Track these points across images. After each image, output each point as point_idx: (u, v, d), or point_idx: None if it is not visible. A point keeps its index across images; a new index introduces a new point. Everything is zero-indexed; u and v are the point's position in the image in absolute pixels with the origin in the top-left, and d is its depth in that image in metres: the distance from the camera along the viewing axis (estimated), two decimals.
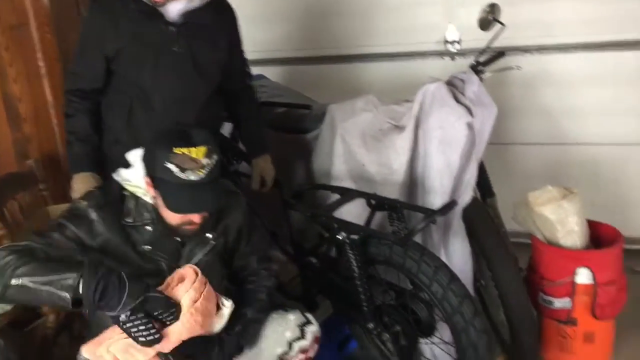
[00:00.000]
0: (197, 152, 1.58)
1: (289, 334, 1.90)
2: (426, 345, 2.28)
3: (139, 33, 2.02)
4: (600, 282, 2.24)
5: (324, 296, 2.44)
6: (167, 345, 1.55)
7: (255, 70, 3.32)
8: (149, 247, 1.70)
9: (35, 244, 1.59)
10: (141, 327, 1.48)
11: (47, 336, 2.24)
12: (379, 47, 3.35)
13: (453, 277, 2.01)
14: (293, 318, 1.92)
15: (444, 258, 2.31)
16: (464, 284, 2.04)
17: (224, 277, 1.88)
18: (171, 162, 1.57)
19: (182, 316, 1.55)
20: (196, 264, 1.75)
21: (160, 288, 1.59)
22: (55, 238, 1.62)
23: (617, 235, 2.36)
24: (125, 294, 1.47)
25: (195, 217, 1.67)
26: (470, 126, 2.29)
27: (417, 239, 2.33)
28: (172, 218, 1.67)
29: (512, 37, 2.98)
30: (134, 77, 2.06)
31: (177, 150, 1.57)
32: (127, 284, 1.49)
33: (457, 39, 2.43)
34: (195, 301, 1.58)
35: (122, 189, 1.73)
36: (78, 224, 1.65)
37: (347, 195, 2.31)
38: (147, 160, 1.64)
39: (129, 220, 1.69)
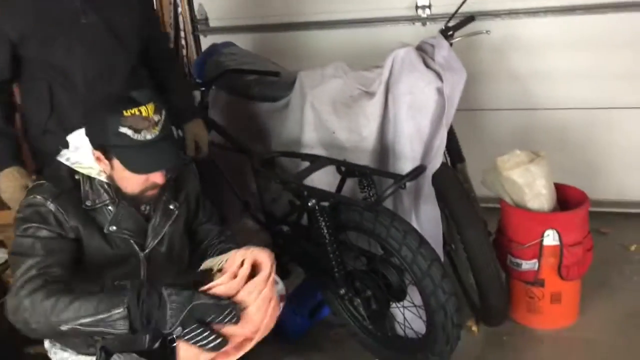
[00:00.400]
0: (147, 110, 1.55)
1: None
2: (398, 310, 2.31)
3: (41, 10, 1.91)
4: (566, 244, 2.28)
5: (296, 263, 2.45)
6: (252, 327, 1.46)
7: (224, 38, 3.29)
8: (115, 227, 1.66)
9: (38, 268, 1.52)
10: (199, 338, 1.40)
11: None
12: (350, 13, 3.31)
13: (422, 241, 2.03)
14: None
15: (414, 223, 2.33)
16: (433, 247, 2.06)
17: (187, 249, 1.86)
18: (124, 126, 1.53)
19: (256, 305, 1.44)
20: (162, 236, 1.74)
21: (221, 278, 1.47)
22: (39, 247, 1.56)
23: (584, 198, 2.40)
24: (168, 312, 1.39)
25: (158, 178, 1.63)
26: (440, 91, 2.29)
27: (388, 205, 2.35)
28: (134, 185, 1.63)
29: (481, 2, 2.99)
30: (47, 59, 1.94)
31: (127, 113, 1.53)
32: (167, 301, 1.39)
33: (427, 4, 2.42)
34: (270, 299, 1.47)
35: (73, 173, 1.66)
36: (43, 220, 1.59)
37: (317, 162, 2.30)
38: (95, 132, 1.58)
39: (89, 203, 1.65)
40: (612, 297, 2.58)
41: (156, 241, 1.74)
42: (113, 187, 1.66)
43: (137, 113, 1.54)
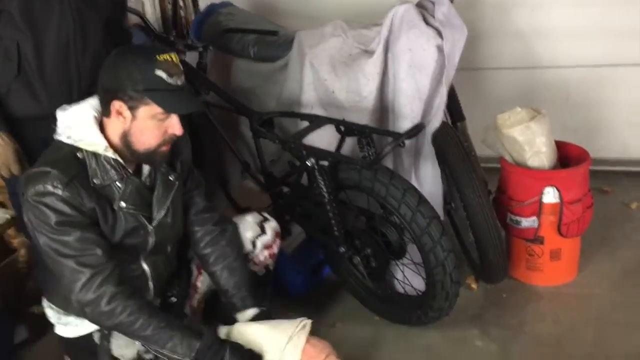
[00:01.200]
0: (175, 57, 1.59)
1: (250, 234, 1.97)
2: (397, 267, 2.33)
3: None
4: (566, 201, 2.28)
5: (296, 223, 2.46)
6: None
7: None
8: (124, 203, 1.66)
9: (94, 267, 1.58)
10: None
11: (20, 270, 2.25)
12: None
13: (421, 199, 2.04)
14: (251, 218, 2.00)
15: (414, 182, 2.33)
16: (432, 206, 2.07)
17: (182, 217, 1.87)
18: (160, 69, 1.55)
19: None
20: (167, 208, 1.75)
21: None
22: (78, 243, 1.58)
23: (584, 155, 2.39)
24: None
25: (177, 129, 1.64)
26: (440, 49, 2.26)
27: (389, 165, 2.35)
28: (153, 138, 1.63)
29: None
30: (16, 20, 1.87)
31: (160, 58, 1.56)
32: None
33: None
34: None
35: (75, 152, 1.62)
36: (63, 213, 1.56)
37: (316, 122, 2.30)
38: (123, 80, 1.56)
39: (97, 182, 1.62)
40: (612, 254, 2.59)
41: (162, 213, 1.75)
42: (119, 164, 1.65)
43: (169, 59, 1.57)
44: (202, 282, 1.99)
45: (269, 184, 2.52)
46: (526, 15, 3.04)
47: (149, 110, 1.59)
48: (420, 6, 2.37)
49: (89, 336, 1.77)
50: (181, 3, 3.57)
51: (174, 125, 1.63)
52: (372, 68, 2.37)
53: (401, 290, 2.36)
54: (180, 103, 1.61)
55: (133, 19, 2.71)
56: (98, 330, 1.75)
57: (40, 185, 1.56)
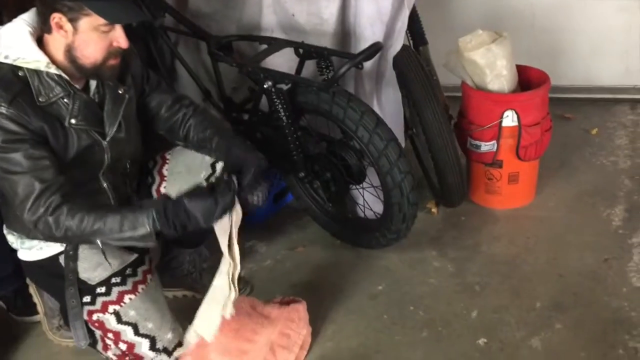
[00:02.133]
0: None
1: (208, 158, 1.93)
2: (357, 192, 2.35)
3: None
4: (524, 124, 2.30)
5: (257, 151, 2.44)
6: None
7: None
8: (74, 119, 1.61)
9: (41, 182, 1.53)
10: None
11: None
12: None
13: (379, 121, 2.03)
14: (202, 158, 1.94)
15: (376, 107, 2.32)
16: (389, 128, 2.06)
17: (140, 132, 1.84)
18: None
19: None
20: (119, 122, 1.71)
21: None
22: (24, 159, 1.52)
23: (545, 78, 2.39)
24: (200, 218, 1.54)
25: (123, 41, 1.58)
26: None
27: (350, 90, 2.32)
28: (98, 50, 1.57)
29: None
30: None
31: None
32: (189, 211, 1.53)
33: None
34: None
35: (16, 70, 1.55)
36: (8, 131, 1.51)
37: (275, 45, 2.25)
38: None
39: (42, 99, 1.56)
40: (570, 178, 2.64)
41: (115, 128, 1.71)
42: (64, 80, 1.58)
43: None
44: (167, 170, 1.95)
45: (228, 109, 2.49)
46: None
47: (90, 22, 1.52)
48: None
49: (54, 258, 1.74)
50: None
51: (119, 38, 1.58)
52: None
53: (362, 214, 2.39)
54: (122, 12, 1.54)
55: None
56: (62, 252, 1.73)
57: None
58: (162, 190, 1.93)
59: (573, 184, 2.60)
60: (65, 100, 1.60)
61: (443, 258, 2.27)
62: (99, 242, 1.59)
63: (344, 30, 2.38)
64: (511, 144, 2.34)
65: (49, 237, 1.61)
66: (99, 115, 1.68)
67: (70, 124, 1.61)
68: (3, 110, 1.51)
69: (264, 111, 2.29)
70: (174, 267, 2.15)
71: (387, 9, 2.26)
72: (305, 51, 2.17)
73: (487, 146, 2.36)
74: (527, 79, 2.45)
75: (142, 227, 1.55)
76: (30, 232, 1.71)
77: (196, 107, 1.91)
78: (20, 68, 1.55)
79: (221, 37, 2.38)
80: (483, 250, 2.28)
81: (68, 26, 1.53)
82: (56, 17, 1.52)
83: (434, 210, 2.51)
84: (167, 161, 1.96)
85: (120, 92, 1.72)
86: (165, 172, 1.94)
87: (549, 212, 2.45)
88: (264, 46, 2.30)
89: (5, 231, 1.81)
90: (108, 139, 1.70)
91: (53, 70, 1.57)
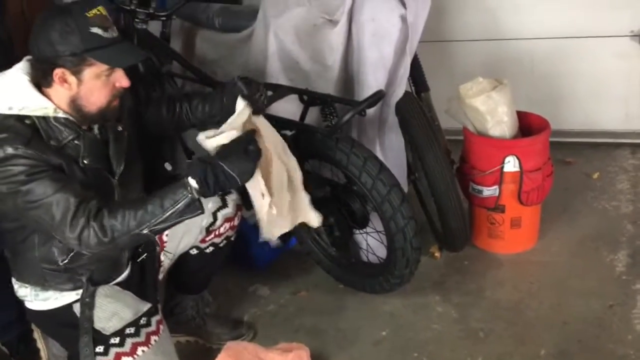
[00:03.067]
0: (103, 10, 1.55)
1: (211, 205, 1.96)
2: (361, 236, 2.36)
3: None
4: (526, 170, 2.32)
5: None
6: None
7: None
8: (87, 159, 1.63)
9: (75, 196, 1.54)
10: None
11: None
12: None
13: (382, 167, 2.06)
14: None
15: (378, 152, 2.35)
16: (392, 174, 2.08)
17: (142, 163, 1.88)
18: (94, 26, 1.51)
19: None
20: (125, 159, 1.74)
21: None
22: (51, 184, 1.53)
23: (545, 124, 2.42)
24: (236, 174, 1.55)
25: (124, 81, 1.62)
26: (403, 18, 2.27)
27: (353, 136, 2.36)
28: (102, 96, 1.60)
29: None
30: None
31: (90, 14, 1.52)
32: (227, 172, 1.54)
33: None
34: None
35: (22, 120, 1.56)
36: (31, 165, 1.52)
37: (279, 91, 2.28)
38: (58, 47, 1.51)
39: (54, 143, 1.58)
40: (572, 222, 2.64)
41: (122, 166, 1.74)
42: (72, 122, 1.61)
43: (98, 12, 1.53)
44: (165, 256, 1.97)
45: None
46: None
47: (94, 70, 1.56)
48: None
49: (68, 307, 1.74)
50: None
51: (121, 78, 1.61)
52: (336, 38, 2.37)
53: (365, 259, 2.39)
54: (123, 55, 1.58)
55: None
56: (77, 300, 1.73)
57: (0, 151, 1.51)
58: (165, 238, 1.94)
59: (576, 228, 2.60)
60: (76, 141, 1.62)
61: (447, 303, 2.26)
62: (146, 232, 1.56)
63: (347, 76, 2.43)
64: (513, 189, 2.35)
65: (99, 246, 1.56)
66: (105, 153, 1.72)
67: (83, 164, 1.63)
68: (20, 151, 1.52)
69: None
70: (178, 313, 2.15)
71: (389, 56, 2.30)
72: (309, 98, 2.21)
73: (489, 191, 2.38)
74: (527, 124, 2.48)
75: (183, 198, 1.54)
76: (45, 281, 1.71)
77: (187, 96, 1.97)
78: (26, 117, 1.57)
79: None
80: (487, 295, 2.28)
81: (72, 79, 1.56)
82: (59, 73, 1.54)
83: (437, 254, 2.52)
84: None
85: (119, 129, 1.75)
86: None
87: (552, 257, 2.45)
88: (269, 93, 2.35)
89: (16, 285, 1.79)
90: (117, 177, 1.73)
91: (61, 114, 1.59)
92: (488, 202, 2.40)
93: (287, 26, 2.45)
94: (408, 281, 2.21)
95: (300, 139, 2.17)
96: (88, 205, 1.54)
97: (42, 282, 1.72)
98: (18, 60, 1.65)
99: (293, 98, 2.28)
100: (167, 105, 1.94)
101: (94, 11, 1.53)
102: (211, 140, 1.64)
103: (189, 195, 1.54)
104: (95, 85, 1.58)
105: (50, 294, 1.74)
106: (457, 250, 2.44)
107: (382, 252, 2.29)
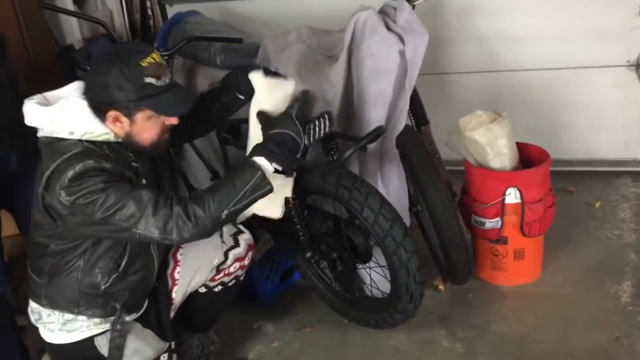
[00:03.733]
0: (158, 56, 1.61)
1: (221, 244, 1.96)
2: (364, 271, 2.35)
3: None
4: (527, 201, 2.32)
5: (264, 229, 2.48)
6: None
7: (189, 7, 3.25)
8: (145, 180, 1.73)
9: (152, 190, 1.61)
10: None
11: None
12: None
13: (384, 201, 2.06)
14: (225, 229, 2.02)
15: (380, 186, 2.36)
16: (394, 208, 2.09)
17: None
18: (147, 76, 1.57)
19: None
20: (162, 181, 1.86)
21: None
22: (133, 187, 1.60)
23: (545, 155, 2.43)
24: (304, 139, 1.75)
25: (174, 120, 1.68)
26: (402, 54, 2.30)
27: (354, 169, 2.37)
28: (154, 133, 1.67)
29: None
30: None
31: (145, 63, 1.57)
32: (298, 137, 1.72)
33: None
34: None
35: (85, 143, 1.62)
36: (113, 173, 1.59)
37: None
38: (115, 93, 1.57)
39: (119, 165, 1.65)
40: (575, 253, 2.64)
41: (165, 184, 1.87)
42: (128, 145, 1.68)
43: (153, 61, 1.58)
44: (176, 294, 1.98)
45: None
46: (488, 21, 3.09)
47: (145, 114, 1.63)
48: (382, 12, 2.41)
49: (88, 341, 1.77)
50: (150, 12, 3.59)
51: (171, 119, 1.68)
52: (336, 74, 2.40)
53: (369, 293, 2.38)
54: (174, 104, 1.64)
55: (100, 29, 2.72)
56: (101, 333, 1.76)
57: (81, 164, 1.55)
58: (176, 275, 1.95)
59: (579, 258, 2.60)
60: (134, 163, 1.70)
61: (452, 338, 2.25)
62: (225, 215, 1.61)
63: (348, 111, 2.45)
64: (515, 221, 2.36)
65: (183, 233, 1.59)
66: (154, 173, 1.83)
67: (143, 183, 1.71)
68: (98, 164, 1.57)
69: None
70: (183, 351, 2.15)
71: (388, 91, 2.33)
72: None
73: (491, 223, 2.38)
74: (527, 156, 2.50)
75: (252, 177, 1.62)
76: (78, 306, 1.72)
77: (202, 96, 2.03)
78: (88, 141, 1.62)
79: (229, 120, 2.45)
80: (492, 329, 2.26)
81: (124, 119, 1.62)
82: (112, 114, 1.61)
83: (441, 287, 2.51)
84: (182, 246, 1.99)
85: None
86: (179, 256, 1.97)
87: (556, 289, 2.44)
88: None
89: (43, 312, 1.78)
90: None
91: (120, 139, 1.66)
92: (490, 234, 2.41)
93: (288, 62, 2.48)
94: (412, 316, 2.20)
95: (302, 175, 2.18)
96: (168, 196, 1.60)
97: (74, 308, 1.74)
98: (21, 102, 1.68)
99: None
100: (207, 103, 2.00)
101: (149, 59, 1.57)
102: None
103: (258, 171, 1.63)
104: (146, 126, 1.65)
105: (78, 325, 1.75)
106: (461, 283, 2.43)
107: (385, 287, 2.29)
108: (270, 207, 2.01)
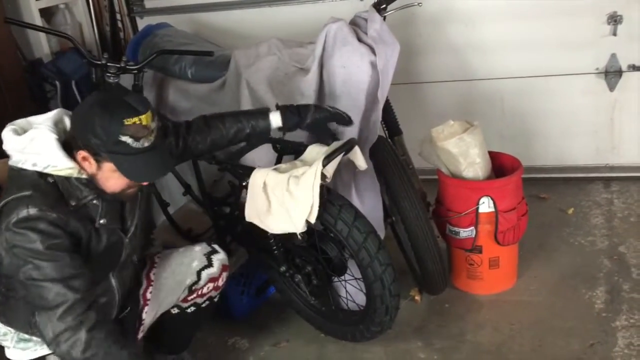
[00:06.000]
0: (146, 119, 1.53)
1: (196, 263, 1.96)
2: (340, 284, 2.34)
3: None
4: (501, 210, 2.33)
5: (238, 244, 2.45)
6: None
7: (160, 19, 3.22)
8: (104, 220, 1.65)
9: (76, 292, 1.55)
10: None
11: None
12: None
13: (357, 214, 2.05)
14: (199, 249, 1.99)
15: (354, 197, 2.34)
16: (368, 220, 2.08)
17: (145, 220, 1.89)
18: (125, 135, 1.50)
19: None
20: (136, 218, 1.76)
21: None
22: (61, 268, 1.54)
23: (517, 164, 2.45)
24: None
25: (143, 182, 1.63)
26: (373, 65, 2.30)
27: None
28: (117, 186, 1.61)
29: None
30: None
31: (128, 122, 1.50)
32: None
33: None
34: None
35: (45, 177, 1.58)
36: (51, 236, 1.53)
37: (252, 141, 2.29)
38: (89, 137, 1.51)
39: (74, 203, 1.59)
40: (550, 260, 2.65)
41: (134, 224, 1.76)
42: (92, 183, 1.61)
43: (138, 122, 1.51)
44: (147, 314, 1.94)
45: (209, 204, 2.50)
46: (460, 30, 3.12)
47: (112, 166, 1.56)
48: (353, 23, 2.41)
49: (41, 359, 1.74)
50: (120, 25, 3.55)
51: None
52: (308, 85, 2.39)
53: (345, 306, 2.36)
54: (143, 170, 1.57)
55: (69, 42, 2.67)
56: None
57: (25, 210, 1.51)
58: (148, 295, 1.91)
59: (553, 266, 2.61)
60: (94, 201, 1.63)
61: (429, 348, 2.24)
62: None
63: None
64: (489, 230, 2.36)
65: (65, 355, 1.56)
66: (120, 212, 1.73)
67: (100, 224, 1.64)
68: (47, 215, 1.52)
69: (244, 205, 2.30)
70: None
71: (361, 102, 2.32)
72: (282, 146, 2.22)
73: (465, 232, 2.39)
74: (500, 165, 2.51)
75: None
76: (30, 329, 1.70)
77: (188, 126, 1.94)
78: (48, 175, 1.57)
79: None
80: (468, 339, 2.26)
81: (92, 162, 1.57)
82: (82, 153, 1.56)
83: (417, 297, 2.50)
84: (155, 265, 1.96)
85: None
86: (152, 276, 1.94)
87: (531, 297, 2.45)
88: (242, 144, 2.35)
89: (2, 330, 1.76)
90: (129, 235, 1.74)
91: (84, 175, 1.60)
92: (465, 243, 2.41)
93: (259, 75, 2.46)
94: (389, 328, 2.19)
95: None
96: (85, 312, 1.54)
97: (27, 329, 1.71)
98: None
99: (266, 147, 2.28)
100: (174, 143, 1.91)
101: (135, 119, 1.51)
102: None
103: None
104: (113, 176, 1.59)
105: (31, 344, 1.73)
106: (436, 293, 2.43)
107: (361, 299, 2.27)
108: (291, 221, 1.95)
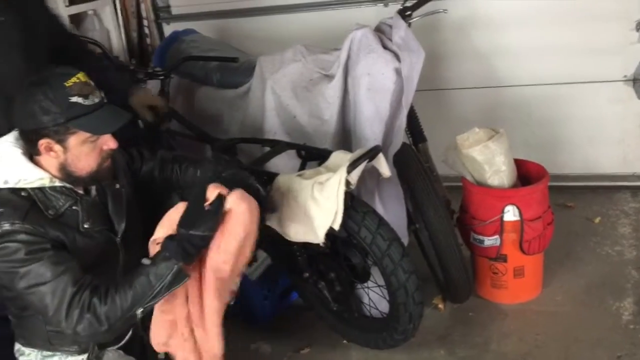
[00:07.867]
0: (83, 76, 1.56)
1: None
2: (363, 290, 2.33)
3: None
4: (526, 219, 2.31)
5: (261, 249, 2.45)
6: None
7: (186, 25, 3.26)
8: (88, 223, 1.65)
9: (73, 283, 1.54)
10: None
11: None
12: None
13: (381, 221, 2.05)
14: None
15: (378, 204, 2.34)
16: (392, 228, 2.08)
17: (141, 221, 1.86)
18: (73, 95, 1.52)
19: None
20: (125, 217, 1.76)
21: None
22: (50, 268, 1.54)
23: (543, 172, 2.42)
24: (208, 233, 1.59)
25: (112, 143, 1.63)
26: (398, 72, 2.30)
27: None
28: (91, 160, 1.61)
29: None
30: None
31: (69, 83, 1.52)
32: (199, 235, 1.57)
33: None
34: None
35: (18, 192, 1.58)
36: (31, 242, 1.54)
37: (277, 147, 2.30)
38: (41, 118, 1.52)
39: (52, 212, 1.60)
40: (576, 269, 2.61)
41: (123, 224, 1.75)
42: (69, 188, 1.63)
43: (77, 80, 1.54)
44: None
45: None
46: (485, 37, 3.10)
47: (78, 138, 1.56)
48: (378, 30, 2.41)
49: None
50: (147, 31, 3.60)
51: (108, 141, 1.63)
52: (332, 92, 2.40)
53: (368, 313, 2.36)
54: (105, 121, 1.58)
55: (97, 48, 2.72)
56: None
57: None
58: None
59: (580, 275, 2.57)
60: (74, 207, 1.64)
61: (452, 357, 2.22)
62: (140, 311, 1.57)
63: (345, 130, 2.45)
64: (514, 239, 2.34)
65: (95, 336, 1.58)
66: (105, 214, 1.73)
67: (84, 228, 1.65)
68: (18, 226, 1.53)
69: None
70: None
71: (385, 109, 2.32)
72: (307, 153, 2.23)
73: (490, 241, 2.37)
74: (526, 172, 2.48)
75: (169, 272, 1.55)
76: (51, 345, 1.71)
77: (177, 158, 1.96)
78: (21, 189, 1.58)
79: (225, 140, 2.45)
80: (492, 348, 2.24)
81: (57, 147, 1.57)
82: (44, 143, 1.56)
83: (440, 305, 2.48)
84: None
85: (117, 187, 1.77)
86: None
87: (557, 307, 2.41)
88: (267, 148, 2.36)
89: (23, 350, 1.76)
90: (120, 235, 1.74)
91: (57, 183, 1.61)
92: (490, 251, 2.39)
93: (284, 81, 2.48)
94: (412, 336, 2.17)
95: None
96: (81, 298, 1.54)
97: (49, 346, 1.72)
98: None
99: (291, 153, 2.29)
100: (159, 166, 1.94)
101: (73, 79, 1.53)
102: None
103: (175, 266, 1.55)
104: (82, 152, 1.59)
105: (56, 358, 1.73)
106: (460, 301, 2.41)
107: (384, 306, 2.26)
108: (312, 230, 1.95)
